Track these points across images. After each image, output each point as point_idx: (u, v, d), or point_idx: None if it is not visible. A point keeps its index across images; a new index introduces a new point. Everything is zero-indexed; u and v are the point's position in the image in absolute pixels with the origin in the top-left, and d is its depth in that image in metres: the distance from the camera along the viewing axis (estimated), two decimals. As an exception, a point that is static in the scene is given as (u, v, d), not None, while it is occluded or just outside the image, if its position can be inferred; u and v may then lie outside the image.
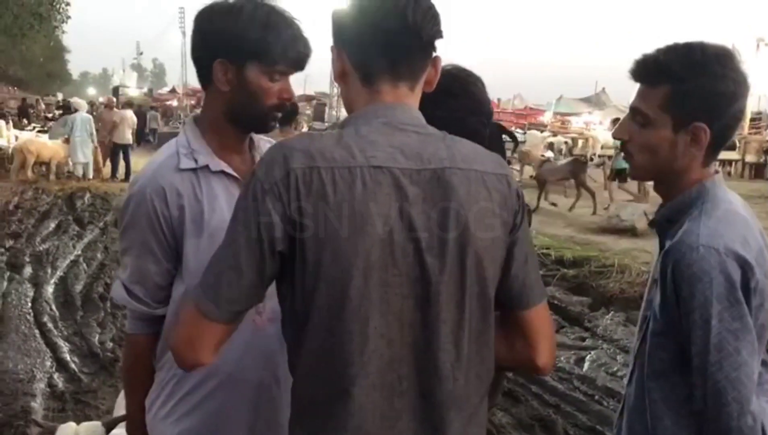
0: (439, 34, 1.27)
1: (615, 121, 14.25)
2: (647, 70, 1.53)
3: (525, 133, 22.40)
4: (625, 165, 6.16)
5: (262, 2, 1.59)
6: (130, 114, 15.34)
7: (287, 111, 1.69)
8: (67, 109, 20.71)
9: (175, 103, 34.45)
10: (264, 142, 1.78)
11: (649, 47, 1.53)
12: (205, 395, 1.64)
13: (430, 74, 1.31)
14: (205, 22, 1.61)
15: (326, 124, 30.23)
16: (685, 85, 1.46)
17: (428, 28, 1.24)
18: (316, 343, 1.20)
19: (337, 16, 1.30)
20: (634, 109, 1.55)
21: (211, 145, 1.65)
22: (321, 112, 33.37)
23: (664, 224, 1.58)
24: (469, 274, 1.22)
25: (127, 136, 15.00)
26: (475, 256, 1.22)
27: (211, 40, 1.61)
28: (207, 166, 1.61)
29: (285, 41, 1.57)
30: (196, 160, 1.61)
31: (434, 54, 1.30)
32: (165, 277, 1.65)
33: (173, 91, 41.85)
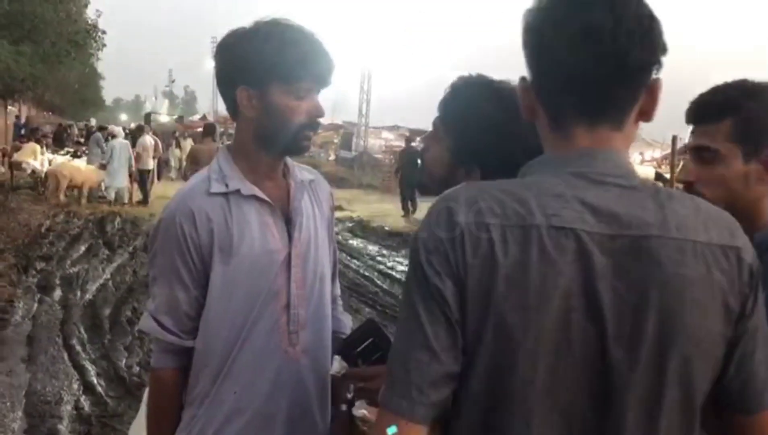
0: (655, 54, 0.99)
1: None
2: (706, 108, 1.50)
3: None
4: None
5: (277, 22, 1.56)
6: (150, 140, 15.56)
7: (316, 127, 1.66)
8: (90, 134, 21.18)
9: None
10: (299, 169, 1.75)
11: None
12: (236, 432, 1.60)
13: (646, 103, 1.03)
14: (224, 50, 1.60)
15: (353, 153, 30.43)
16: (748, 113, 1.44)
17: (637, 50, 0.97)
18: None
19: (523, 34, 1.04)
20: (699, 148, 1.50)
21: (244, 171, 1.62)
22: (348, 141, 33.63)
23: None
24: (670, 375, 0.95)
25: (149, 163, 15.23)
26: (680, 354, 0.95)
27: (231, 68, 1.59)
28: (238, 191, 1.58)
29: (303, 57, 1.54)
30: (227, 185, 1.58)
31: (652, 77, 1.01)
32: (194, 306, 1.61)
33: (204, 118, 42.47)
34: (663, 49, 0.99)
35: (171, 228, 1.57)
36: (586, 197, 0.96)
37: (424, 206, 15.56)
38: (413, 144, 17.27)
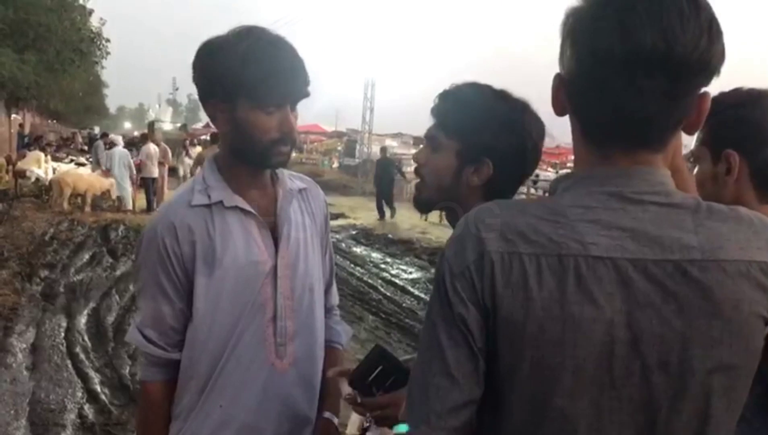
0: (710, 70, 0.92)
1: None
2: None
3: (557, 172, 22.29)
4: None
5: (247, 34, 1.50)
6: (154, 148, 15.60)
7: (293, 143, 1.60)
8: (93, 141, 21.32)
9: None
10: (288, 176, 1.72)
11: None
12: None
13: (692, 119, 0.96)
14: (196, 62, 1.54)
15: (357, 160, 30.43)
16: (719, 116, 1.46)
17: (691, 75, 0.91)
18: None
19: (564, 26, 0.98)
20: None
21: (228, 181, 1.60)
22: (352, 149, 33.63)
23: None
24: (715, 402, 0.92)
25: (153, 171, 15.29)
26: (726, 379, 0.92)
27: (202, 81, 1.54)
28: (221, 202, 1.56)
29: (270, 74, 1.46)
30: (209, 196, 1.56)
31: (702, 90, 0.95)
32: (179, 320, 1.59)
33: (207, 126, 42.55)
34: (722, 57, 0.92)
35: (153, 241, 1.56)
36: (624, 221, 0.92)
37: (405, 212, 15.68)
38: (388, 155, 19.11)
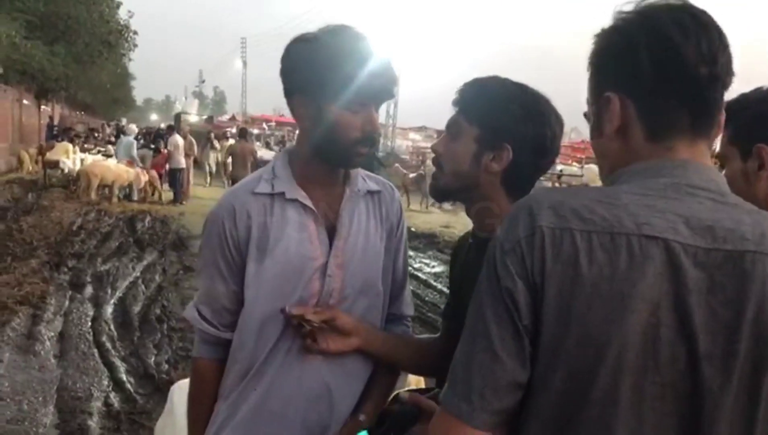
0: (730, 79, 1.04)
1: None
2: None
3: (582, 167, 22.11)
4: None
5: (339, 31, 1.52)
6: (180, 140, 15.73)
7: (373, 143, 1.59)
8: (120, 133, 21.74)
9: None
10: (362, 177, 1.70)
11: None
12: (253, 432, 1.60)
13: (720, 119, 1.06)
14: (286, 55, 1.55)
15: (381, 153, 30.44)
16: (745, 113, 1.46)
17: (730, 74, 1.02)
18: None
19: (614, 47, 1.06)
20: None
21: (297, 176, 1.61)
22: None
23: None
24: (764, 395, 0.91)
25: (181, 161, 15.45)
26: None
27: (289, 75, 1.56)
28: (283, 193, 1.58)
29: (360, 72, 1.48)
30: (273, 186, 1.59)
31: None
32: (232, 301, 1.62)
33: (233, 118, 42.86)
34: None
35: (214, 223, 1.60)
36: (679, 208, 0.93)
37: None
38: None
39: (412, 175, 20.06)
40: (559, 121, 1.51)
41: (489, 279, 0.97)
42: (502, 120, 1.46)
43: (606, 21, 1.08)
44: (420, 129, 42.55)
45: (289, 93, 1.57)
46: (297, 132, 1.69)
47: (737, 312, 0.89)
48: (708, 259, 0.90)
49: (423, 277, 9.52)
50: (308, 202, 1.58)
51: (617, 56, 1.04)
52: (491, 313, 0.95)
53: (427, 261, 10.85)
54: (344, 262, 1.60)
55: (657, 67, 0.99)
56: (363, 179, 1.70)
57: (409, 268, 1.90)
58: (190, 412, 1.76)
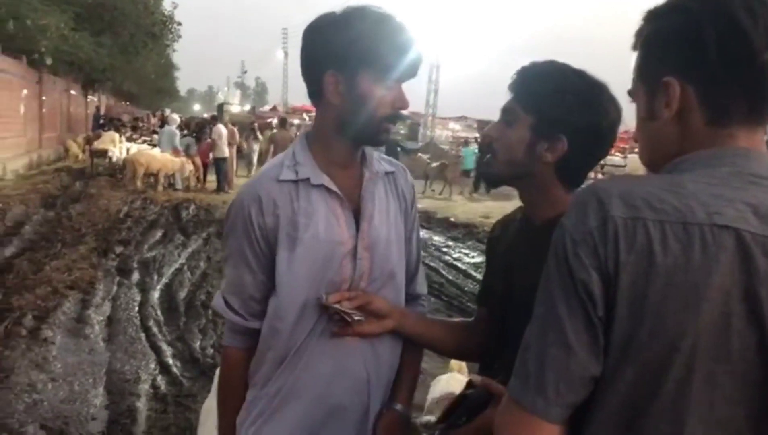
0: None
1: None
2: None
3: (626, 157, 21.80)
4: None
5: (370, 10, 1.53)
6: (224, 130, 15.92)
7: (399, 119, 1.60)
8: (164, 123, 22.14)
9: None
10: (377, 158, 1.72)
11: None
12: (292, 416, 1.62)
13: None
14: (313, 33, 1.55)
15: (420, 143, 30.39)
16: None
17: None
18: None
19: (674, 28, 1.03)
20: None
21: (318, 160, 1.61)
22: (415, 132, 33.58)
23: None
24: None
25: (225, 151, 15.65)
26: None
27: (320, 53, 1.55)
28: (308, 179, 1.58)
29: (397, 47, 1.51)
30: (297, 172, 1.58)
31: None
32: (260, 290, 1.63)
33: (274, 108, 43.15)
34: None
35: (239, 212, 1.60)
36: (746, 197, 0.92)
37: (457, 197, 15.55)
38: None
39: (434, 165, 20.10)
40: (617, 110, 1.47)
41: (560, 272, 0.96)
42: (558, 110, 1.44)
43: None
44: (459, 119, 42.22)
45: (317, 70, 1.56)
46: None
47: None
48: None
49: (462, 267, 9.51)
50: (333, 187, 1.59)
51: (679, 38, 1.01)
52: (564, 305, 0.94)
53: (466, 251, 10.83)
54: (370, 244, 1.61)
55: (723, 53, 0.97)
56: (378, 161, 1.71)
57: (449, 258, 1.92)
58: (221, 399, 1.78)
